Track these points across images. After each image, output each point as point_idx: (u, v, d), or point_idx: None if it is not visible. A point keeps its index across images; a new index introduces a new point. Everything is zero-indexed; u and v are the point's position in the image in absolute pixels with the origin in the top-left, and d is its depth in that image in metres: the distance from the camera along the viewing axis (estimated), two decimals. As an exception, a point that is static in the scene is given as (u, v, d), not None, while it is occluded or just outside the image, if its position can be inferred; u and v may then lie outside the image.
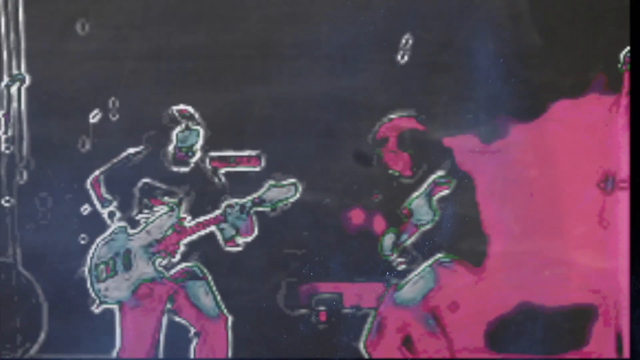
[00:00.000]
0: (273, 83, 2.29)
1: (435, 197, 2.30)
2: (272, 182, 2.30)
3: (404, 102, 2.29)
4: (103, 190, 2.30)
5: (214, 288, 2.35)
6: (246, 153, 2.30)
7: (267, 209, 2.31)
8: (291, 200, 2.31)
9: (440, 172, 2.30)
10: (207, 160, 2.31)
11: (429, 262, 2.33)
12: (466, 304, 2.34)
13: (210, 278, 2.34)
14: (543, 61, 2.27)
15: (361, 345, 2.36)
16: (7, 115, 2.30)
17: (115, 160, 2.31)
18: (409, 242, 2.32)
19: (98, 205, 2.31)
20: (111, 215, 2.32)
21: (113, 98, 2.29)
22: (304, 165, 2.31)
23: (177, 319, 2.37)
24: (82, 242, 2.34)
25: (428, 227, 2.32)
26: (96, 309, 2.34)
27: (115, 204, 2.32)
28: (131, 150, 2.30)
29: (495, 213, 2.30)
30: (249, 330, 2.37)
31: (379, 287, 2.34)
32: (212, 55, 2.29)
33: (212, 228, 2.32)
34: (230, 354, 2.36)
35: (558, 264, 2.31)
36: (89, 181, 2.31)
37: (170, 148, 2.29)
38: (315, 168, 2.31)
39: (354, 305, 2.35)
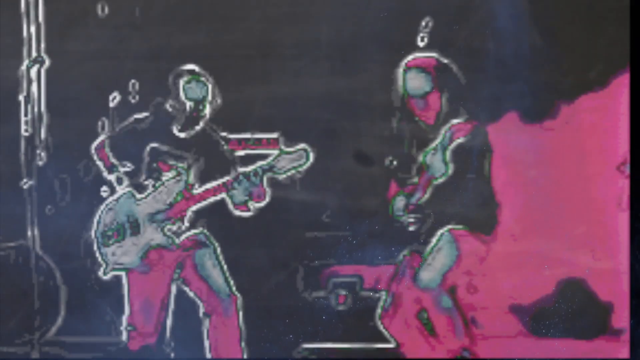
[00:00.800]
0: (273, 83, 2.29)
1: (452, 146, 2.29)
2: (283, 149, 2.29)
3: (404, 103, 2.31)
4: (110, 155, 2.31)
5: (221, 257, 2.35)
6: (265, 135, 2.30)
7: (280, 178, 2.31)
8: (303, 167, 2.30)
9: (459, 119, 2.29)
10: (224, 140, 2.31)
11: (443, 230, 2.32)
12: (487, 283, 2.35)
13: (219, 250, 2.35)
14: (543, 61, 2.28)
15: (377, 321, 2.37)
16: (26, 97, 2.31)
17: (121, 126, 2.31)
18: (423, 200, 2.31)
19: (105, 171, 2.32)
20: (119, 180, 2.32)
21: (133, 80, 2.29)
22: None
23: (186, 290, 2.37)
24: None
25: (441, 180, 2.31)
26: (104, 275, 2.35)
27: (121, 170, 2.32)
28: (137, 116, 2.31)
29: (512, 187, 2.31)
30: (268, 315, 2.37)
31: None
32: (212, 55, 2.29)
33: (223, 195, 2.32)
34: (244, 337, 2.36)
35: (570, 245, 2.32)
36: (93, 147, 2.31)
37: (181, 100, 2.29)
38: (315, 168, 2.31)
39: (372, 287, 2.35)
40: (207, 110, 2.30)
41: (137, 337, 2.36)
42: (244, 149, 2.30)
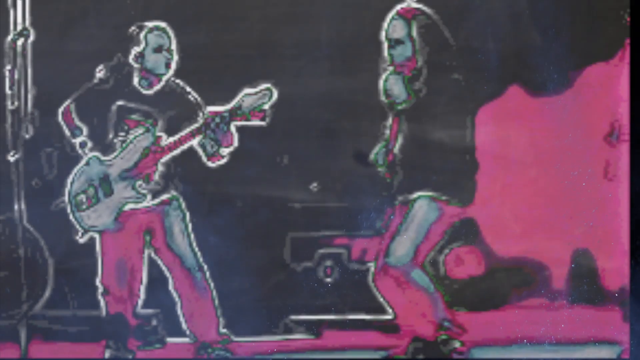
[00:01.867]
0: (273, 83, 2.29)
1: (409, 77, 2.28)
2: (246, 90, 2.28)
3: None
4: (76, 118, 2.29)
5: (190, 227, 2.33)
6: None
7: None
8: (266, 105, 2.29)
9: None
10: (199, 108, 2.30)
11: (417, 194, 2.32)
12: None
13: (187, 216, 2.33)
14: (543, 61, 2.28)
15: (370, 281, 2.36)
16: (12, 70, 2.30)
17: (81, 91, 2.29)
18: (397, 146, 2.30)
19: (69, 135, 2.30)
20: (82, 145, 2.30)
21: (119, 54, 2.29)
22: (304, 165, 2.31)
23: (158, 261, 2.36)
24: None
25: (404, 106, 2.29)
26: (80, 238, 2.33)
27: (86, 133, 2.30)
28: (100, 75, 2.29)
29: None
30: (256, 288, 2.37)
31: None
32: (212, 55, 2.29)
33: (193, 142, 2.29)
34: (221, 311, 2.36)
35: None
36: (59, 111, 2.30)
37: (140, 49, 2.28)
38: (315, 168, 2.31)
39: (360, 258, 2.35)
40: (173, 62, 2.29)
41: (111, 302, 2.35)
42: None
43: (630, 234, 2.33)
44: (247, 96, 2.28)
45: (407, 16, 2.25)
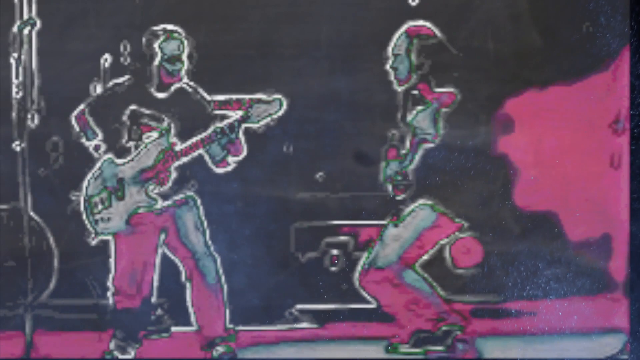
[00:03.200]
0: (273, 83, 2.30)
1: (442, 111, 2.29)
2: (257, 98, 2.29)
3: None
4: (91, 121, 2.30)
5: (205, 222, 2.36)
6: (259, 95, 2.30)
7: (254, 126, 2.30)
8: (276, 115, 2.30)
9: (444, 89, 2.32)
10: (207, 102, 2.31)
11: (419, 203, 2.35)
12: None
13: (202, 212, 2.36)
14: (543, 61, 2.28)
15: (355, 280, 2.39)
16: (18, 59, 2.31)
17: (99, 93, 2.30)
18: (411, 166, 2.31)
19: (83, 138, 2.31)
20: (96, 148, 2.32)
21: (124, 42, 2.29)
22: (303, 165, 2.33)
23: (170, 255, 2.38)
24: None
25: (430, 145, 2.32)
26: (93, 241, 2.35)
27: (100, 137, 2.31)
28: (116, 80, 2.30)
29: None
30: (261, 276, 2.39)
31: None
32: (212, 55, 2.30)
33: (203, 149, 2.31)
34: (228, 303, 2.39)
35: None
36: (73, 115, 2.31)
37: (156, 62, 2.28)
38: (316, 168, 2.33)
39: (366, 243, 2.37)
40: (185, 67, 2.29)
41: (120, 300, 2.38)
42: (229, 110, 2.30)
43: (630, 225, 2.36)
44: (257, 105, 2.29)
45: (412, 34, 2.24)
